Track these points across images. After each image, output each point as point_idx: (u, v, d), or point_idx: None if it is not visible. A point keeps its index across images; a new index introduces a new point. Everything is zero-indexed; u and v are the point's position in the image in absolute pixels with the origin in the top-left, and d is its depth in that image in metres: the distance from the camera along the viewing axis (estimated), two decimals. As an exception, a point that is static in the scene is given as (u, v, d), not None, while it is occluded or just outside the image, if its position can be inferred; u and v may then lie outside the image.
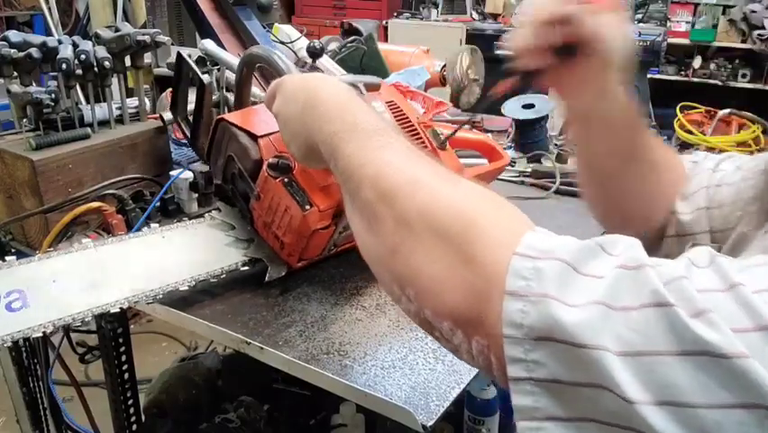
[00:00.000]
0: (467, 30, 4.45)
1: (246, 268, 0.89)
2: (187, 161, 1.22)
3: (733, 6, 3.76)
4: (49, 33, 3.65)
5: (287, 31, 1.69)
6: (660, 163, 0.73)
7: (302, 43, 1.55)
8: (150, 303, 0.82)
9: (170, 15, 3.00)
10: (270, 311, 0.86)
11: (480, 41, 4.20)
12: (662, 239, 0.72)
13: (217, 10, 1.47)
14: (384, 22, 4.59)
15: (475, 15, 4.75)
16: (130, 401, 1.28)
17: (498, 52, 0.79)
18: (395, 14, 4.81)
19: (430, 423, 0.65)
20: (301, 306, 0.87)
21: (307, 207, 0.84)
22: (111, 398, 1.24)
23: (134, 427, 1.32)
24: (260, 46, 1.01)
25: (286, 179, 0.84)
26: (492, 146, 1.21)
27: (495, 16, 4.73)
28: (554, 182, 1.34)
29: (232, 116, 0.92)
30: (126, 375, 1.23)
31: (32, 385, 1.33)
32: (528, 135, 1.51)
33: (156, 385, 1.47)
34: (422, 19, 4.73)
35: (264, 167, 0.85)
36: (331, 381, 0.73)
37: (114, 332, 1.17)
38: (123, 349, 1.21)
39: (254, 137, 0.88)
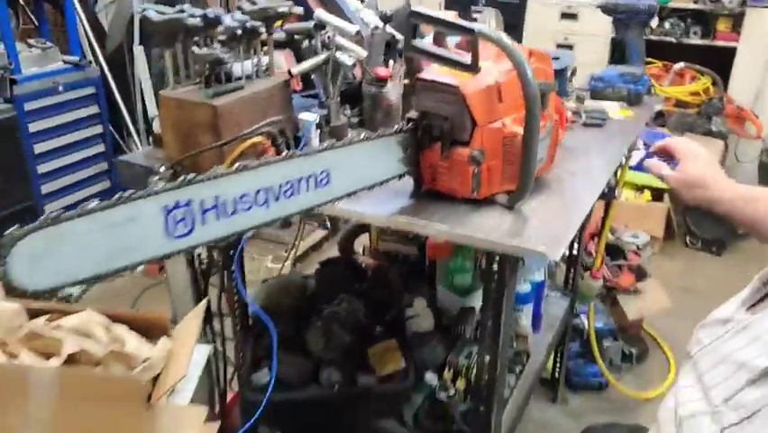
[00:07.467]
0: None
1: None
2: (302, 108, 1.52)
3: (685, -31, 4.17)
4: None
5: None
6: None
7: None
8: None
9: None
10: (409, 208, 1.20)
11: None
12: None
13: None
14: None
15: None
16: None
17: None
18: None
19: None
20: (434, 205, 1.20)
21: (474, 194, 1.02)
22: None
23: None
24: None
25: (476, 170, 0.98)
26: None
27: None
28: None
29: (468, 88, 0.99)
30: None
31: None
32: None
33: (260, 294, 1.79)
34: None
35: (468, 154, 0.98)
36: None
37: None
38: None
39: (474, 122, 0.99)
